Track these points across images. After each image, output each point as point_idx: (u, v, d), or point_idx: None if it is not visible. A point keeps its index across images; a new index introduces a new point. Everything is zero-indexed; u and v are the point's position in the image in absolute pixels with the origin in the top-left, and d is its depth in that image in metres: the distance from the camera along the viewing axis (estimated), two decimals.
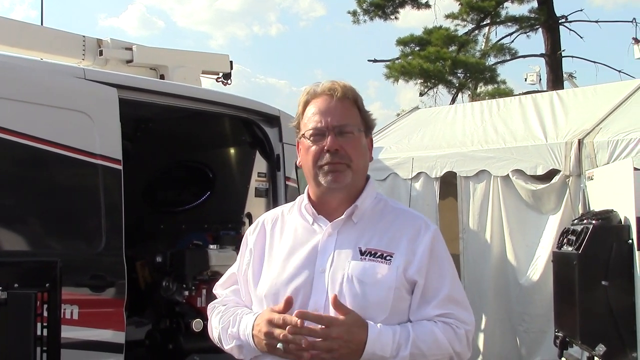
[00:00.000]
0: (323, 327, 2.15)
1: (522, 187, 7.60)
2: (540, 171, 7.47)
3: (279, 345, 2.18)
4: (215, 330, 2.48)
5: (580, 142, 7.19)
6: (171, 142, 6.74)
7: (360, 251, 2.29)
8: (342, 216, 2.35)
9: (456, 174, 8.16)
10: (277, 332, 2.19)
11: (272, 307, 2.27)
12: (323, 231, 2.36)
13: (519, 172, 7.63)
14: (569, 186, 7.20)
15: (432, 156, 8.45)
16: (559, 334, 5.33)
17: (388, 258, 2.27)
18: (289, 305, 2.22)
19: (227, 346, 2.41)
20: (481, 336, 7.94)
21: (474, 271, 8.02)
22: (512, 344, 7.76)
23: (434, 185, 8.37)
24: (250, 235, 2.54)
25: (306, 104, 2.40)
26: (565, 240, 5.34)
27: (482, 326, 7.94)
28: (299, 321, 2.14)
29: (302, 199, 2.45)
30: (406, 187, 8.50)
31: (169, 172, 7.03)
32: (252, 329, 2.28)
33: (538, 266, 7.45)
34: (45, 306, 2.88)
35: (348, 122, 2.33)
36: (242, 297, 2.50)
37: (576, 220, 5.59)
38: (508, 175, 7.69)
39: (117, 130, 4.76)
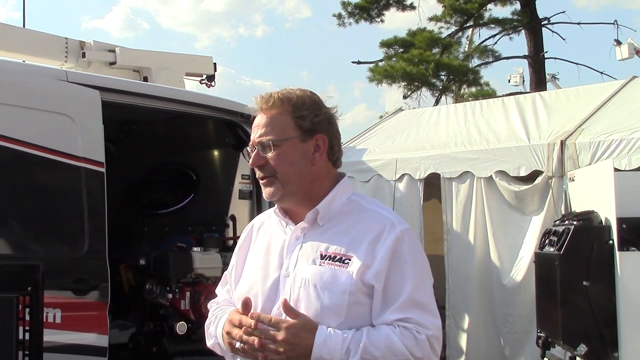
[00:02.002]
0: (274, 329, 2.19)
1: (505, 188, 7.63)
2: (523, 172, 7.51)
3: (238, 344, 2.26)
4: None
5: (562, 144, 7.23)
6: (154, 144, 6.73)
7: (321, 255, 2.29)
8: (305, 221, 2.36)
9: (440, 175, 8.19)
10: (235, 332, 2.27)
11: (237, 309, 2.34)
12: (291, 235, 2.39)
13: (502, 173, 7.66)
14: (551, 187, 7.24)
15: (415, 157, 8.47)
16: (541, 335, 5.36)
17: (346, 262, 2.25)
18: (247, 307, 2.27)
19: (209, 343, 2.48)
20: (465, 337, 7.97)
21: (457, 272, 8.04)
22: (495, 344, 7.79)
23: (418, 186, 8.40)
24: (240, 239, 2.61)
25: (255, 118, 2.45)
26: (547, 241, 5.37)
27: (466, 327, 7.96)
28: (252, 322, 2.20)
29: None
30: (390, 188, 8.52)
31: (153, 174, 7.01)
32: (223, 329, 2.37)
33: (521, 267, 7.48)
34: (28, 310, 2.86)
35: (268, 135, 2.33)
36: (232, 297, 2.55)
37: (558, 221, 5.62)
38: (491, 176, 7.72)
39: (99, 133, 4.74)
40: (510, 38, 21.81)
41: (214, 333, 2.43)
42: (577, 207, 5.82)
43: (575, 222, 5.09)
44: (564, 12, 22.63)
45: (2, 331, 2.52)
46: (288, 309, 2.20)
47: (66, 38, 7.91)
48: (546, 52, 20.48)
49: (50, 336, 3.78)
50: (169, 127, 6.42)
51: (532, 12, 20.53)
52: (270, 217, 2.53)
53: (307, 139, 2.36)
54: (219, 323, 2.42)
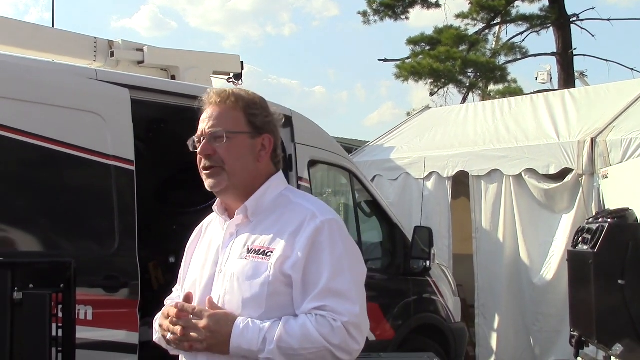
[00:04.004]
0: (195, 318, 2.28)
1: (534, 186, 7.58)
2: (552, 170, 7.47)
3: (168, 335, 2.35)
4: None
5: (593, 141, 7.17)
6: (183, 142, 6.71)
7: (247, 249, 2.37)
8: (235, 217, 2.45)
9: (468, 173, 8.16)
10: (165, 323, 2.37)
11: (175, 303, 2.41)
12: (225, 231, 2.48)
13: (532, 171, 7.62)
14: (582, 185, 7.19)
15: (444, 155, 8.44)
16: (575, 334, 5.29)
17: (268, 254, 2.32)
18: (187, 300, 2.36)
19: (154, 337, 2.56)
20: (494, 336, 7.94)
21: (487, 271, 8.01)
22: (525, 343, 7.75)
23: (446, 184, 8.38)
24: (191, 237, 2.72)
25: (200, 113, 2.53)
26: (580, 239, 5.30)
27: (496, 326, 7.94)
28: (174, 312, 2.31)
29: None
30: (418, 186, 8.50)
31: (181, 172, 7.01)
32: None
33: (551, 265, 7.44)
34: (60, 307, 2.87)
35: (221, 127, 2.42)
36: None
37: (591, 219, 5.55)
38: (520, 174, 7.69)
39: (129, 131, 4.75)
40: (538, 35, 21.59)
41: (157, 328, 2.53)
42: (611, 204, 5.75)
43: (609, 220, 5.01)
44: (593, 8, 22.19)
45: (36, 328, 2.53)
46: (212, 305, 2.31)
47: (95, 37, 7.96)
48: (575, 49, 20.24)
49: (82, 333, 3.78)
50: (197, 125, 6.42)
51: (561, 9, 20.31)
52: (216, 216, 2.61)
53: (255, 136, 2.46)
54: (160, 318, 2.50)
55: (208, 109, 2.47)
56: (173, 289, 2.78)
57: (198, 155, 2.46)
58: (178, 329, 2.29)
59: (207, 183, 2.43)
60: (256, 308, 2.28)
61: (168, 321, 2.34)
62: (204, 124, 2.45)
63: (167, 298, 2.74)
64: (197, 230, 2.71)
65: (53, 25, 10.80)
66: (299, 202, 2.45)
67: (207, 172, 2.43)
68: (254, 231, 2.40)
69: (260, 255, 2.32)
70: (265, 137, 2.48)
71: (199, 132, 2.47)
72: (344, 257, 2.35)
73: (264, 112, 2.50)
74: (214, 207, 2.54)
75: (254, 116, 2.46)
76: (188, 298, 2.36)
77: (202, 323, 2.25)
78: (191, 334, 2.26)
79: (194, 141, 2.48)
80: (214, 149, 2.41)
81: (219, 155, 2.41)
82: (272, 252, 2.31)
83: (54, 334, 2.75)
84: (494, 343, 7.92)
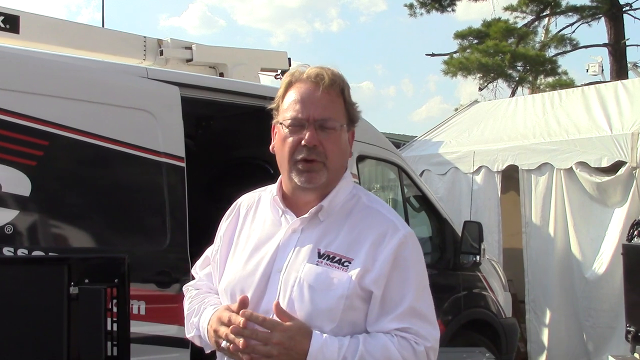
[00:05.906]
0: (265, 330, 2.05)
1: (586, 180, 7.47)
2: (605, 163, 7.35)
3: (224, 344, 2.13)
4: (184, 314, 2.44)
5: None
6: (232, 139, 6.78)
7: (319, 253, 2.15)
8: (307, 214, 2.22)
9: (518, 167, 8.08)
10: (223, 330, 2.13)
11: (228, 305, 2.21)
12: (287, 227, 2.24)
13: (583, 165, 7.51)
14: (635, 178, 7.07)
15: (493, 149, 8.37)
16: (631, 329, 5.21)
17: (346, 264, 2.11)
18: (243, 305, 2.12)
19: (189, 334, 2.37)
20: (546, 332, 7.85)
21: (537, 266, 7.93)
22: (578, 339, 7.65)
23: (496, 179, 8.32)
24: (224, 220, 2.47)
25: (289, 86, 2.25)
26: (635, 233, 5.22)
27: (547, 322, 7.85)
28: (241, 322, 2.06)
29: (273, 189, 2.33)
30: (467, 181, 8.45)
31: (231, 169, 7.08)
32: (208, 324, 2.24)
33: (604, 260, 7.33)
34: (115, 301, 2.93)
35: (331, 116, 2.17)
36: (214, 283, 2.43)
37: None
38: (571, 167, 7.59)
39: (179, 128, 4.81)
40: (589, 26, 21.20)
41: (197, 324, 2.31)
42: None
43: None
44: None
45: (91, 321, 2.58)
46: (280, 312, 2.08)
47: (144, 37, 8.06)
48: (628, 39, 19.83)
49: (135, 327, 3.84)
50: (246, 121, 6.45)
51: None
52: (261, 201, 2.38)
53: (349, 129, 2.27)
54: (202, 315, 2.30)
55: (311, 90, 2.19)
56: (192, 273, 2.57)
57: (287, 141, 2.20)
58: (241, 341, 2.05)
59: (301, 177, 2.17)
60: (328, 321, 2.08)
61: (230, 330, 2.08)
62: (309, 107, 2.17)
63: (189, 285, 2.52)
64: (231, 213, 2.45)
65: (103, 26, 10.98)
66: (376, 208, 2.24)
67: (307, 165, 2.16)
68: (325, 233, 2.18)
69: (336, 264, 2.12)
70: (352, 131, 2.28)
71: (299, 115, 2.18)
72: (425, 275, 2.20)
73: (355, 102, 2.28)
74: (274, 198, 2.29)
75: (352, 106, 2.25)
76: (244, 303, 2.12)
77: (274, 338, 2.02)
78: (259, 347, 2.03)
79: (286, 125, 2.21)
80: (320, 141, 2.15)
81: (324, 148, 2.16)
82: (349, 263, 2.11)
83: (109, 328, 2.80)
84: (545, 339, 7.84)
